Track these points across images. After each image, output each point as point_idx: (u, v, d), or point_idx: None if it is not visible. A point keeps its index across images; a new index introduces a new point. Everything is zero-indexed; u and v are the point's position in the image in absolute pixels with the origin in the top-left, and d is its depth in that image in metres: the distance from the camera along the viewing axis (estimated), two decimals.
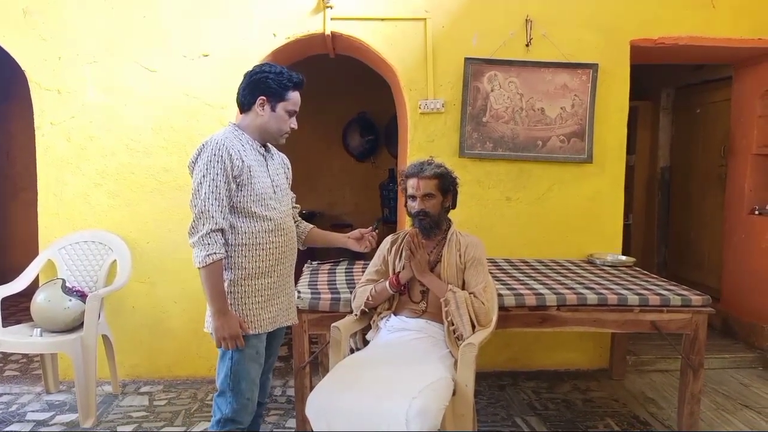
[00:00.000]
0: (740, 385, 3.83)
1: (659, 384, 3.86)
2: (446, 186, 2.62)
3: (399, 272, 2.61)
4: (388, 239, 2.77)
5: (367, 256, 3.12)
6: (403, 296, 2.63)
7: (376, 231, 2.56)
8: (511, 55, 3.88)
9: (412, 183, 2.60)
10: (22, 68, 3.65)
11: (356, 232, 2.55)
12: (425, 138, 3.90)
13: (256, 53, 3.66)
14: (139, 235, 3.73)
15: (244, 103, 2.26)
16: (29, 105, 3.67)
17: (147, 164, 3.73)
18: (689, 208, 5.53)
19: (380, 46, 3.82)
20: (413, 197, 2.60)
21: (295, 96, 2.26)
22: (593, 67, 3.90)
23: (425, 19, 3.82)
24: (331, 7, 3.73)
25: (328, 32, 3.76)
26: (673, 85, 5.67)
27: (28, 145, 4.10)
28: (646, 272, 3.60)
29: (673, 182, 5.77)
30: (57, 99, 3.66)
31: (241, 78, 2.28)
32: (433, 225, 2.61)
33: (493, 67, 3.87)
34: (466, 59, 3.84)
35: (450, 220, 2.72)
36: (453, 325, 2.46)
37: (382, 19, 3.81)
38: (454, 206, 2.71)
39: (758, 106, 4.33)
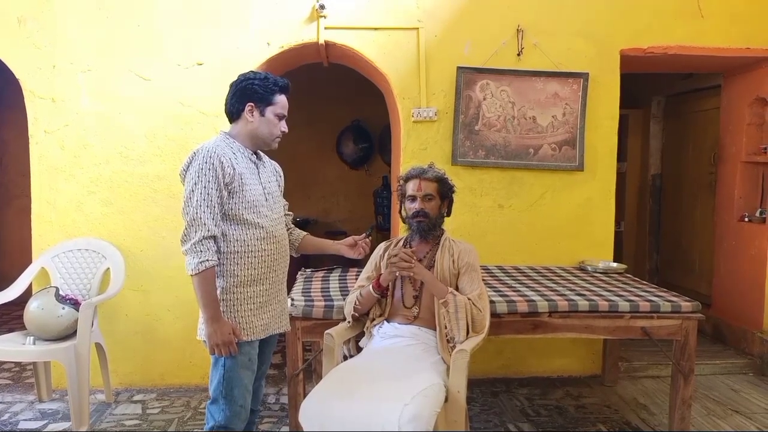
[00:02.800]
0: (731, 391, 3.86)
1: (651, 390, 3.88)
2: (445, 191, 2.65)
3: (380, 275, 2.62)
4: (382, 246, 2.79)
5: (361, 263, 3.14)
6: (395, 301, 2.64)
7: (370, 238, 2.58)
8: (503, 64, 3.92)
9: (412, 184, 2.62)
10: (17, 76, 3.66)
11: (349, 239, 2.56)
12: (418, 146, 3.93)
13: (250, 62, 3.69)
14: (132, 243, 3.74)
15: (233, 111, 2.29)
16: (23, 113, 3.67)
17: (141, 172, 3.74)
18: (680, 215, 5.57)
19: (373, 55, 3.86)
20: (413, 198, 2.61)
21: (282, 99, 2.29)
22: (584, 76, 3.94)
23: (418, 28, 3.86)
24: (325, 17, 3.76)
25: (321, 41, 3.79)
26: (664, 94, 5.73)
27: (21, 152, 4.11)
28: (636, 279, 3.63)
29: (664, 189, 5.82)
30: (51, 107, 3.67)
31: None
32: (431, 227, 2.62)
33: (485, 75, 3.91)
34: (459, 68, 3.87)
35: (443, 228, 2.73)
36: (446, 327, 2.47)
37: (376, 29, 3.84)
38: (449, 214, 2.73)
39: (747, 114, 4.39)
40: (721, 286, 4.68)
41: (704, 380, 3.98)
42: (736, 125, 4.49)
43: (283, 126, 2.33)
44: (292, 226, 2.56)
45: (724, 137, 4.65)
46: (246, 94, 2.25)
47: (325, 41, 3.80)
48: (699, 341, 3.04)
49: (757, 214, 4.33)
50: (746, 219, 4.41)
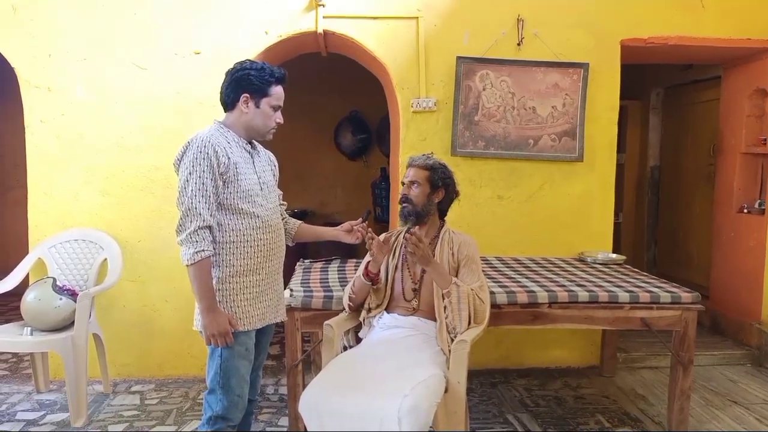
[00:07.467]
0: (729, 382, 3.87)
1: (649, 381, 3.89)
2: (436, 180, 2.58)
3: (368, 262, 2.60)
4: (382, 237, 2.77)
5: (359, 254, 3.13)
6: (395, 295, 2.63)
7: (366, 222, 2.57)
8: (503, 54, 3.89)
9: (407, 171, 2.62)
10: (12, 65, 3.62)
11: (346, 225, 2.56)
12: (417, 137, 3.91)
13: (248, 51, 3.65)
14: (129, 234, 3.72)
15: (228, 101, 2.26)
16: (18, 102, 3.64)
17: (138, 162, 3.71)
18: (679, 207, 5.57)
19: (372, 45, 3.83)
20: (403, 184, 2.61)
21: (278, 91, 2.26)
22: (584, 66, 3.92)
23: (417, 17, 3.83)
24: (324, 6, 3.73)
25: (320, 30, 3.76)
26: (663, 85, 5.71)
27: (17, 143, 4.07)
28: (636, 270, 3.62)
29: (663, 181, 5.81)
30: (47, 96, 3.64)
31: None
32: (413, 214, 2.56)
33: (485, 65, 3.88)
34: (458, 58, 3.85)
35: (443, 220, 2.71)
36: (447, 317, 2.45)
37: (375, 18, 3.81)
38: (446, 205, 2.68)
39: (746, 105, 4.37)
40: (719, 278, 4.68)
41: (702, 371, 3.98)
42: (736, 116, 4.48)
43: (279, 117, 2.30)
44: (287, 215, 2.54)
45: (724, 129, 4.63)
46: (241, 84, 2.22)
47: (323, 30, 3.77)
48: (697, 332, 3.04)
49: (756, 206, 4.32)
50: (745, 210, 4.41)
